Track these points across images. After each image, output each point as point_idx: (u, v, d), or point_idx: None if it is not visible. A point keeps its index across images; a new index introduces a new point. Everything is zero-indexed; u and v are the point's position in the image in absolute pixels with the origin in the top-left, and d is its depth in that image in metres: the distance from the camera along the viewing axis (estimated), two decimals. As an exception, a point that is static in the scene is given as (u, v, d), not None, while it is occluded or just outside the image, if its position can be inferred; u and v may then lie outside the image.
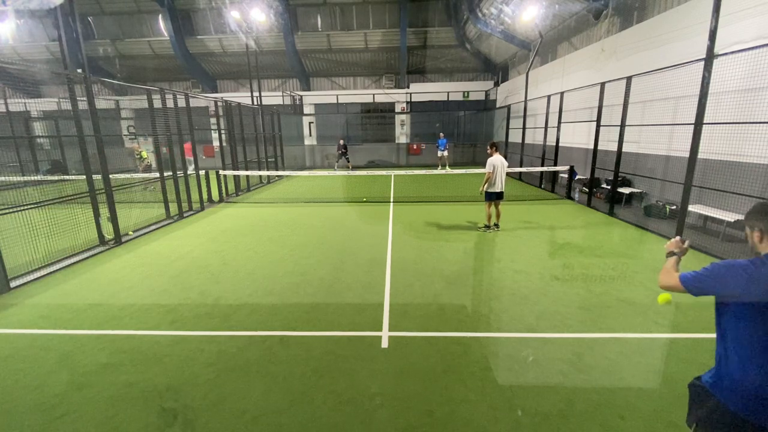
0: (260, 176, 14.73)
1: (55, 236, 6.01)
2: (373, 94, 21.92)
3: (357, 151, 21.57)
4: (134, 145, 13.82)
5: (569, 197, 10.92)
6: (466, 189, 12.30)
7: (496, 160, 7.12)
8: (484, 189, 7.29)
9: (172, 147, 8.88)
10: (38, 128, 16.77)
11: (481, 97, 21.79)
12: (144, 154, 13.25)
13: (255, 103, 15.26)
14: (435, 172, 15.84)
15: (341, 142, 18.95)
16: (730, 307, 1.57)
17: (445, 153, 17.89)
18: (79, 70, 6.72)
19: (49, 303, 4.67)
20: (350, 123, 22.21)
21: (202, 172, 10.59)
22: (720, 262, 1.60)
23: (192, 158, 15.15)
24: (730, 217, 6.46)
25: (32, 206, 5.60)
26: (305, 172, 17.53)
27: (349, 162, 18.95)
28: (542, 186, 12.97)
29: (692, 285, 1.65)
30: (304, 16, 20.07)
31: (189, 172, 9.77)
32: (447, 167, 17.43)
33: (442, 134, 18.22)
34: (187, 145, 14.76)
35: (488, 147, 7.37)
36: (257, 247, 6.76)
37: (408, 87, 22.00)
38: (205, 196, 10.63)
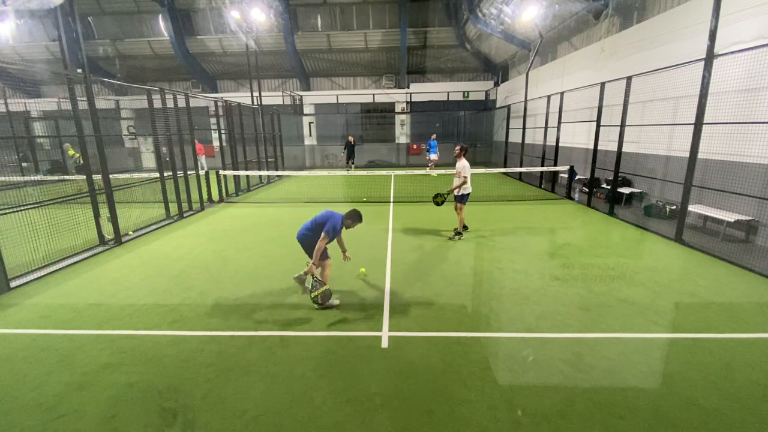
0: (260, 176, 14.73)
1: (55, 236, 6.01)
2: (373, 94, 21.91)
3: (357, 151, 21.53)
4: (66, 145, 12.87)
5: (569, 197, 10.92)
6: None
7: (467, 164, 6.86)
8: (460, 192, 6.87)
9: (171, 147, 8.88)
10: (38, 128, 16.74)
11: (481, 97, 21.78)
12: (71, 152, 12.48)
13: (255, 103, 15.26)
14: (426, 172, 15.84)
15: (351, 139, 18.40)
16: None
17: (435, 156, 17.57)
18: (79, 70, 6.72)
19: (49, 303, 4.67)
20: (350, 123, 22.20)
21: (202, 172, 10.58)
22: None
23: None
24: (730, 217, 6.46)
25: (32, 206, 5.61)
26: (305, 172, 17.52)
27: (351, 162, 18.64)
28: (542, 186, 12.96)
29: None
30: (304, 16, 20.07)
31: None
32: (429, 168, 17.23)
33: (434, 135, 17.88)
34: (200, 146, 14.62)
35: (458, 149, 6.88)
36: (257, 247, 6.76)
37: (408, 87, 21.99)
38: (205, 196, 10.63)
